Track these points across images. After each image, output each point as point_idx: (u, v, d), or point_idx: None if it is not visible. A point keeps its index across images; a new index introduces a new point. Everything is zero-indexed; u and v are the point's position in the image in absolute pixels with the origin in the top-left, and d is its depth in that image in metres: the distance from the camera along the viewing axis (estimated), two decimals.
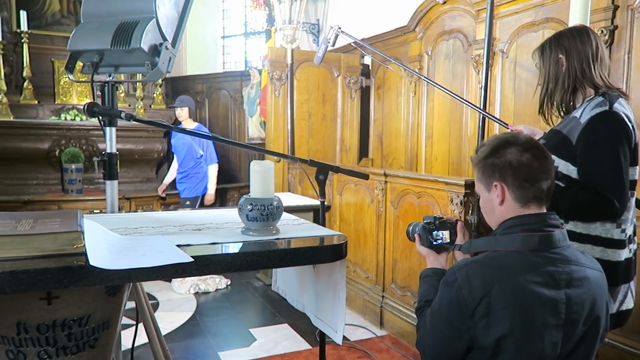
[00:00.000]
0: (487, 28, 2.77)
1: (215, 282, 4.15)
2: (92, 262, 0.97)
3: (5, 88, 6.27)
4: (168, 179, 4.95)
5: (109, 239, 1.16)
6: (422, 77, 3.49)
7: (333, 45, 2.98)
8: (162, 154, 7.15)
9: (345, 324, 3.22)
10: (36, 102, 6.63)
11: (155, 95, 7.30)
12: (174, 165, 4.87)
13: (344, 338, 3.10)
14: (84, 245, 1.06)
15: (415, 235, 1.56)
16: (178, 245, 1.15)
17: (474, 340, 1.20)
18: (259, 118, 6.14)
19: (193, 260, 1.06)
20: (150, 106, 7.22)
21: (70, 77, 1.78)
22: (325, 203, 3.85)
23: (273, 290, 3.96)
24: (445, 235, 1.53)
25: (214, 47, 7.77)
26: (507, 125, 2.19)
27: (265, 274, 4.29)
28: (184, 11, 1.74)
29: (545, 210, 1.30)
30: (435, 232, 1.53)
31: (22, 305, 1.14)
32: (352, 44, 2.87)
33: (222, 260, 1.13)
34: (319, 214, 1.75)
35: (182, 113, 4.62)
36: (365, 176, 1.70)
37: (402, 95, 4.42)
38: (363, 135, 5.04)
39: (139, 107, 6.95)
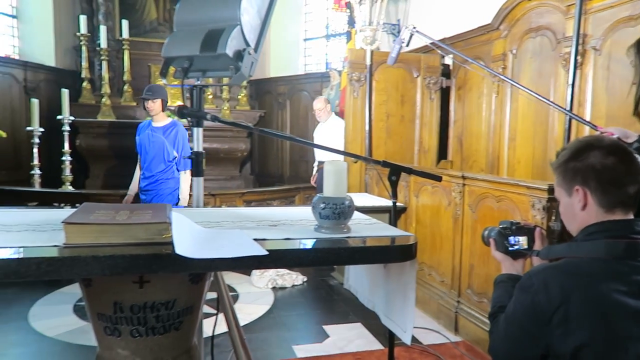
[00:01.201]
0: (576, 24, 2.63)
1: (292, 278, 4.28)
2: (177, 251, 1.07)
3: (109, 91, 6.87)
4: (134, 188, 4.07)
5: (194, 230, 1.26)
6: (503, 78, 3.35)
7: (407, 45, 2.97)
8: (245, 153, 7.47)
9: (418, 327, 3.23)
10: (134, 103, 7.19)
11: (240, 97, 7.65)
12: (138, 168, 4.07)
13: (416, 341, 3.09)
14: (172, 235, 1.16)
15: (491, 240, 1.53)
16: (255, 239, 1.22)
17: (549, 347, 1.17)
18: None
19: (268, 253, 1.13)
20: (235, 107, 7.57)
21: (164, 81, 1.94)
22: (402, 205, 3.85)
23: (348, 289, 4.01)
24: (522, 241, 1.49)
25: (296, 50, 7.98)
26: (597, 127, 2.07)
27: (340, 272, 4.35)
28: (266, 18, 1.83)
29: (632, 217, 1.23)
30: (511, 238, 1.49)
31: (119, 287, 1.27)
32: (429, 44, 2.83)
33: (295, 254, 1.19)
34: (395, 226, 1.76)
35: (154, 106, 3.82)
36: (438, 178, 1.69)
37: (484, 95, 4.28)
38: (442, 137, 4.95)
39: (225, 108, 7.31)
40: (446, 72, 4.92)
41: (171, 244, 1.13)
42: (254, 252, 1.12)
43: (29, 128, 5.53)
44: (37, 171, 5.56)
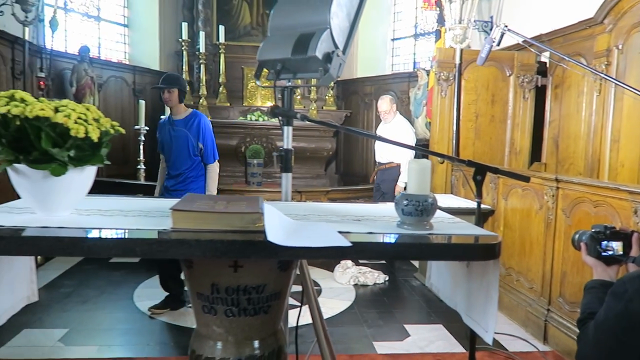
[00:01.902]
0: None
1: (374, 277, 4.32)
2: (269, 238, 1.16)
3: (205, 93, 7.35)
4: (159, 191, 3.76)
5: (283, 221, 1.35)
6: (606, 77, 3.14)
7: (498, 44, 2.88)
8: (331, 153, 7.62)
9: (504, 333, 3.13)
10: (228, 104, 7.63)
11: (327, 97, 7.80)
12: (162, 168, 3.73)
13: (502, 347, 3.00)
14: (264, 224, 1.26)
15: (582, 244, 1.47)
16: (339, 232, 1.28)
17: None
18: (425, 119, 6.14)
19: (352, 245, 1.19)
20: (322, 107, 7.75)
21: (258, 83, 2.07)
22: (489, 207, 3.74)
23: (430, 291, 3.98)
24: (617, 246, 1.42)
25: (384, 50, 7.98)
26: None
27: (423, 273, 4.31)
28: (355, 21, 1.89)
29: None
30: (604, 243, 1.42)
31: (216, 270, 1.40)
32: (521, 42, 2.72)
33: (377, 247, 1.24)
34: (480, 226, 1.75)
35: (171, 97, 3.45)
36: (526, 178, 1.64)
37: (584, 94, 4.02)
38: (536, 138, 4.71)
39: (313, 108, 7.51)
40: (542, 70, 4.68)
41: (263, 232, 1.22)
42: (339, 243, 1.19)
43: (136, 127, 6.08)
44: (142, 166, 6.09)
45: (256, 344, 1.48)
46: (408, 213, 1.39)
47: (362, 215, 1.58)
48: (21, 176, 1.28)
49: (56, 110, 1.25)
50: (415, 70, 6.87)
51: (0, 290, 1.47)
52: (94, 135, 1.28)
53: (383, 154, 5.03)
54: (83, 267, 4.48)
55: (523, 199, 3.44)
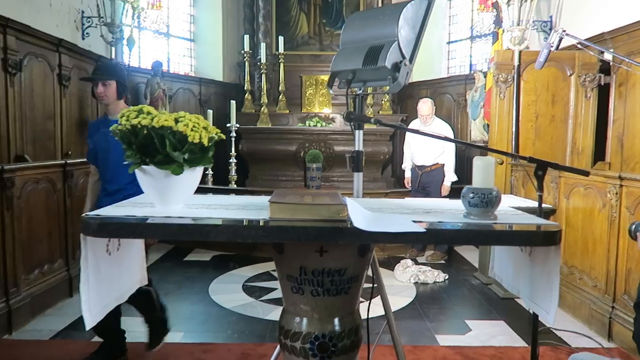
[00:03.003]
0: None
1: (434, 275, 4.43)
2: (354, 224, 1.36)
3: (266, 101, 7.70)
4: (88, 208, 2.81)
5: (364, 212, 1.55)
6: None
7: (557, 49, 2.94)
8: (387, 156, 7.75)
9: (567, 330, 3.17)
10: (287, 111, 7.93)
11: (383, 102, 7.95)
12: (93, 183, 2.88)
13: (565, 343, 3.05)
14: (347, 214, 1.46)
15: (638, 234, 1.57)
16: (414, 221, 1.47)
17: None
18: (482, 121, 6.16)
19: (426, 231, 1.37)
20: (379, 112, 7.90)
21: (331, 91, 2.29)
22: (550, 206, 3.78)
23: (491, 289, 4.06)
24: None
25: (439, 53, 8.04)
26: None
27: (483, 272, 4.38)
28: (420, 32, 2.07)
29: None
30: None
31: (304, 255, 1.61)
32: (577, 44, 2.79)
33: (448, 233, 1.41)
34: (540, 217, 1.87)
35: (107, 91, 2.66)
36: (585, 172, 1.75)
37: None
38: (599, 138, 4.66)
39: (369, 113, 7.68)
40: (605, 68, 4.63)
41: (347, 221, 1.43)
42: (415, 229, 1.37)
43: (219, 132, 6.49)
44: (210, 171, 6.49)
45: (337, 321, 1.69)
46: (474, 205, 1.56)
47: (430, 209, 1.75)
48: (147, 175, 1.56)
49: (176, 120, 1.51)
50: (472, 72, 6.91)
51: (123, 273, 1.76)
52: (205, 141, 1.54)
53: (428, 156, 5.17)
54: (161, 264, 4.88)
55: (585, 197, 3.46)
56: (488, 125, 5.50)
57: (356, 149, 2.16)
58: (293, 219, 1.45)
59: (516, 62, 4.70)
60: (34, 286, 3.50)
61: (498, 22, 5.79)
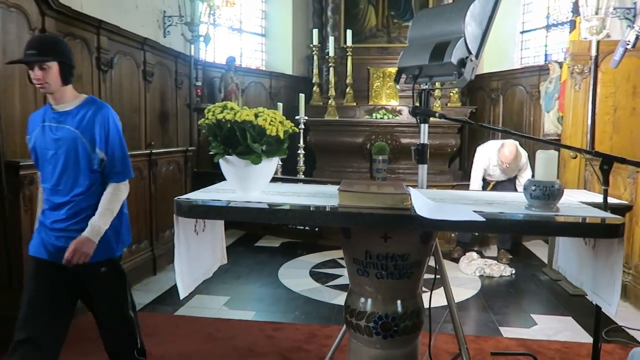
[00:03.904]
0: None
1: (500, 269, 4.39)
2: (417, 212, 1.47)
3: (334, 93, 7.84)
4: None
5: (426, 202, 1.65)
6: None
7: (633, 47, 2.82)
8: (455, 149, 7.66)
9: (638, 329, 3.07)
10: (354, 104, 8.04)
11: (451, 94, 7.85)
12: (42, 191, 2.19)
13: (636, 341, 2.96)
14: (411, 203, 1.57)
15: None
16: (475, 211, 1.55)
17: None
18: (557, 113, 5.94)
19: (485, 220, 1.45)
20: (447, 104, 7.81)
21: (397, 87, 2.39)
22: (626, 202, 3.64)
23: (560, 285, 3.99)
24: None
25: (512, 43, 7.79)
26: None
27: (552, 268, 4.28)
28: (487, 28, 2.11)
29: None
30: None
31: (369, 240, 1.74)
32: None
33: (507, 223, 1.48)
34: (616, 213, 1.86)
35: (47, 75, 2.04)
36: None
37: None
38: None
39: (437, 105, 7.62)
40: None
41: (410, 209, 1.53)
42: (474, 218, 1.46)
43: (293, 126, 6.76)
44: (279, 162, 6.75)
45: (399, 303, 1.80)
46: (536, 197, 1.60)
47: (492, 200, 1.82)
48: (230, 164, 1.74)
49: (256, 115, 1.68)
50: (547, 63, 6.65)
51: (207, 251, 1.97)
52: (281, 134, 1.70)
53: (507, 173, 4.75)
54: (234, 249, 5.19)
55: None
56: (562, 118, 5.31)
57: (421, 141, 2.24)
58: (360, 206, 1.58)
59: (593, 53, 4.52)
60: (124, 263, 3.88)
61: (576, 9, 5.55)
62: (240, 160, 1.71)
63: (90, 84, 4.69)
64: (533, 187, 1.61)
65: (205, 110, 1.77)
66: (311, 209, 1.59)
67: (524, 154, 4.76)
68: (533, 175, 1.66)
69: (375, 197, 1.61)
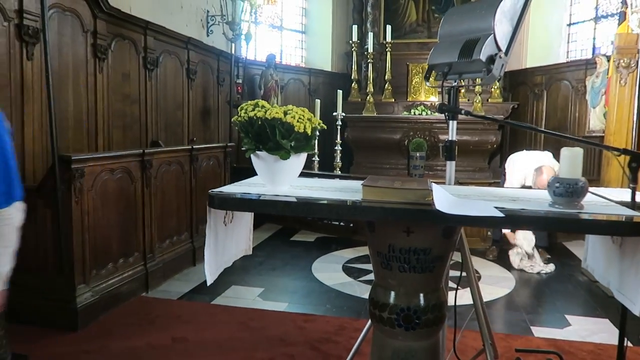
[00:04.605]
0: None
1: (541, 265, 4.35)
2: (437, 207, 1.51)
3: (372, 90, 7.86)
4: None
5: (448, 197, 1.68)
6: None
7: None
8: (495, 146, 7.52)
9: None
10: (393, 100, 8.03)
11: (493, 90, 7.71)
12: None
13: None
14: (432, 198, 1.61)
15: None
16: (496, 207, 1.57)
17: None
18: (603, 109, 5.75)
19: (504, 216, 1.47)
20: (488, 100, 7.68)
21: (427, 84, 2.41)
22: None
23: (598, 287, 3.89)
24: None
25: (558, 37, 7.57)
26: None
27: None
28: (518, 25, 2.11)
29: None
30: None
31: (392, 234, 1.79)
32: None
33: (528, 218, 1.49)
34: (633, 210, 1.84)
35: None
36: None
37: None
38: None
39: (477, 101, 7.50)
40: None
41: (432, 204, 1.57)
42: (493, 214, 1.48)
43: (321, 122, 6.84)
44: (316, 158, 6.83)
45: (422, 296, 1.84)
46: (559, 194, 1.61)
47: (517, 197, 1.82)
48: (260, 160, 1.83)
49: (285, 113, 1.76)
50: (594, 56, 6.43)
51: (232, 241, 2.07)
52: (309, 130, 1.78)
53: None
54: (270, 242, 5.33)
55: None
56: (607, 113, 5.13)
57: (450, 138, 2.26)
58: (382, 201, 1.63)
59: None
60: (165, 253, 4.08)
61: (625, 0, 5.33)
62: (270, 155, 1.80)
63: (137, 82, 4.93)
64: (557, 185, 1.61)
65: (239, 108, 1.87)
66: (335, 202, 1.66)
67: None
68: (560, 172, 1.66)
69: (397, 192, 1.66)
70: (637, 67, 4.39)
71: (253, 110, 1.80)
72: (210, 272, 1.81)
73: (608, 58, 5.64)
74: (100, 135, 4.40)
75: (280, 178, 1.86)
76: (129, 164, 3.59)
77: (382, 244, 1.82)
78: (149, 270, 3.80)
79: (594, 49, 7.04)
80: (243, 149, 1.85)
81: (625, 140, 4.43)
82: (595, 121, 5.98)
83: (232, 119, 1.88)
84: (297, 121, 1.75)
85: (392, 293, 1.85)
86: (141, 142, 5.02)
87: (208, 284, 1.79)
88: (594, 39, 7.09)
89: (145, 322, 3.22)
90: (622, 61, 4.44)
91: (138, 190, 3.70)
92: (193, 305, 3.51)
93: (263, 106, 1.80)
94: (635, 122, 4.38)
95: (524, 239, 4.51)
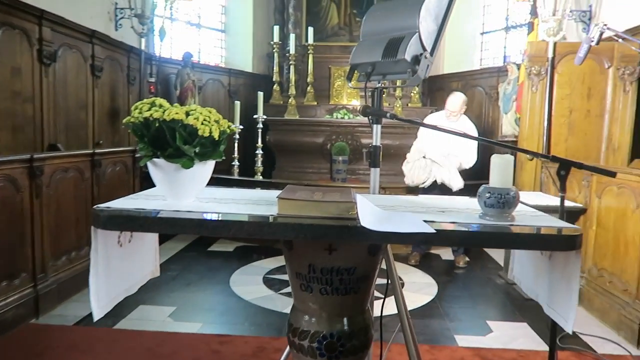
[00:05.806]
0: None
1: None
2: (362, 224, 1.33)
3: (294, 92, 7.67)
4: None
5: (374, 210, 1.51)
6: None
7: (597, 43, 2.79)
8: None
9: (594, 335, 3.04)
10: (315, 103, 7.89)
11: (412, 94, 7.82)
12: None
13: (590, 349, 2.93)
14: (356, 212, 1.42)
15: None
16: (425, 221, 1.42)
17: None
18: (514, 115, 5.98)
19: (436, 232, 1.32)
20: (408, 105, 7.77)
21: (350, 84, 2.25)
22: (580, 205, 3.63)
23: (516, 289, 3.94)
24: None
25: (472, 44, 7.83)
26: None
27: (508, 271, 4.26)
28: (443, 24, 1.99)
29: None
30: None
31: (313, 253, 1.59)
32: (616, 37, 2.64)
33: (460, 235, 1.35)
34: (570, 216, 1.79)
35: None
36: (611, 174, 1.66)
37: None
38: (637, 134, 4.44)
39: (397, 105, 7.57)
40: None
41: (356, 219, 1.39)
42: (424, 230, 1.33)
43: (232, 126, 6.52)
44: (236, 162, 6.52)
45: (346, 320, 1.65)
46: (490, 205, 1.49)
47: (445, 207, 1.70)
48: (158, 168, 1.56)
49: (187, 114, 1.50)
50: (505, 64, 6.70)
51: (134, 265, 1.77)
52: (216, 134, 1.53)
53: (441, 151, 4.63)
54: (185, 254, 4.95)
55: (618, 197, 3.31)
56: (520, 119, 5.33)
57: (374, 143, 2.11)
58: (301, 216, 1.43)
59: (550, 55, 4.52)
60: (61, 272, 3.60)
61: (534, 11, 5.58)
62: (170, 164, 1.53)
63: (30, 78, 4.36)
64: (487, 195, 1.50)
65: (132, 107, 1.58)
66: (244, 219, 1.43)
67: (472, 125, 4.68)
68: (490, 180, 1.55)
69: (318, 206, 1.46)
70: (546, 74, 4.57)
71: (149, 109, 1.52)
72: (99, 305, 1.50)
73: (518, 66, 5.88)
74: None
75: (183, 190, 1.59)
76: (12, 170, 3.11)
77: (302, 264, 1.62)
78: (39, 293, 3.32)
79: (504, 57, 7.35)
80: (137, 156, 1.56)
81: (537, 145, 4.60)
82: (507, 126, 6.20)
83: (124, 120, 1.58)
84: (202, 123, 1.49)
85: (313, 318, 1.66)
86: (36, 145, 4.45)
87: (95, 319, 1.48)
88: (505, 47, 7.42)
89: (32, 354, 2.77)
90: (533, 69, 4.60)
91: (25, 201, 3.22)
92: (92, 331, 3.10)
93: (161, 105, 1.53)
94: (545, 128, 4.56)
95: None
